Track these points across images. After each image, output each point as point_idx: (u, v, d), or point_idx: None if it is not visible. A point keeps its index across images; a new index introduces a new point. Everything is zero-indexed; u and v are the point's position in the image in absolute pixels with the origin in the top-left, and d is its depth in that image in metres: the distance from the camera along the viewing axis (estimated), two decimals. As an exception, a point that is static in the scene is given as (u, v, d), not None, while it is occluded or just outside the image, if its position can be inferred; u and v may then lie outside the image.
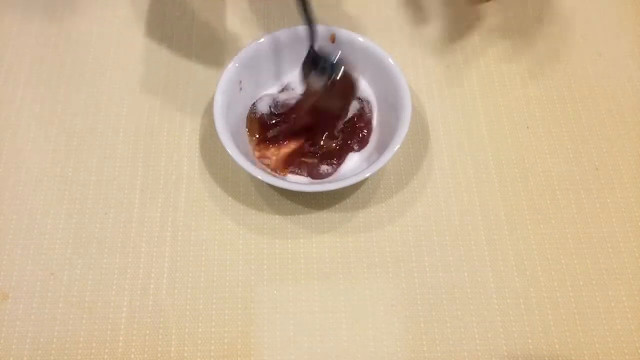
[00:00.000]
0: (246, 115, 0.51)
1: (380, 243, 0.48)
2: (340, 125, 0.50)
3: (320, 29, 0.49)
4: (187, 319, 0.45)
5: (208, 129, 0.53)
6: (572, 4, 0.60)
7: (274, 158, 0.49)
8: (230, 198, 0.50)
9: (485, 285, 0.46)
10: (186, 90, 0.54)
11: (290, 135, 0.50)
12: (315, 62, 0.48)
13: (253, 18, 0.58)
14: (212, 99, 0.47)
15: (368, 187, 0.50)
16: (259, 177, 0.45)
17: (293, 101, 0.51)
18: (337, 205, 0.50)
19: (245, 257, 0.48)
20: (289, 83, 0.52)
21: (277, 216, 0.49)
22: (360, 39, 0.50)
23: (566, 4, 0.60)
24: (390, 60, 0.49)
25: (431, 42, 0.57)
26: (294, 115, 0.50)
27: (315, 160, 0.49)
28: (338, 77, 0.48)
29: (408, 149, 0.52)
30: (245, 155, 0.46)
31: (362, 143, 0.50)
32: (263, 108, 0.50)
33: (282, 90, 0.52)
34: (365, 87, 0.52)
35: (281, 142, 0.49)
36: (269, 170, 0.48)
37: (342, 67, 0.48)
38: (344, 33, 0.50)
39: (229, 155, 0.45)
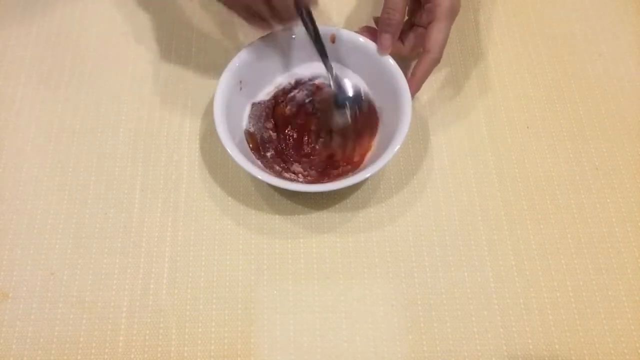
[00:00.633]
0: (245, 114, 0.51)
1: (380, 243, 0.48)
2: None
3: (321, 29, 0.49)
4: (187, 319, 0.45)
5: (208, 129, 0.53)
6: (572, 4, 0.60)
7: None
8: (230, 198, 0.50)
9: (485, 285, 0.46)
10: (186, 90, 0.54)
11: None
12: (336, 101, 0.50)
13: (253, 18, 0.58)
14: (212, 99, 0.47)
15: (368, 187, 0.50)
16: (259, 177, 0.44)
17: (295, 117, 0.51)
18: (337, 205, 0.50)
19: (245, 257, 0.48)
20: (283, 86, 0.52)
21: (277, 216, 0.49)
22: (361, 39, 0.49)
23: (566, 4, 0.60)
24: (390, 60, 0.49)
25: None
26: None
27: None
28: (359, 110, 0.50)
29: (408, 149, 0.52)
30: (246, 155, 0.46)
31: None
32: (257, 126, 0.51)
33: (280, 93, 0.52)
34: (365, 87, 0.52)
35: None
36: (268, 170, 0.48)
37: (362, 100, 0.50)
38: (344, 33, 0.50)
39: (229, 155, 0.45)
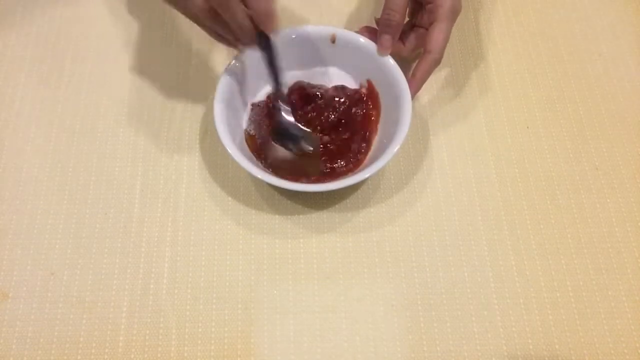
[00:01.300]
0: (245, 114, 0.51)
1: (380, 243, 0.48)
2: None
3: (321, 29, 0.49)
4: (187, 319, 0.45)
5: (208, 129, 0.53)
6: (572, 4, 0.60)
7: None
8: (230, 198, 0.50)
9: (485, 285, 0.46)
10: (186, 90, 0.54)
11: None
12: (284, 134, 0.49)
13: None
14: (212, 99, 0.47)
15: (368, 187, 0.50)
16: (259, 177, 0.45)
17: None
18: (337, 205, 0.50)
19: (245, 257, 0.47)
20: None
21: (277, 216, 0.49)
22: (361, 39, 0.49)
23: (566, 4, 0.60)
24: (390, 60, 0.49)
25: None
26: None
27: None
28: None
29: (408, 149, 0.52)
30: (246, 155, 0.46)
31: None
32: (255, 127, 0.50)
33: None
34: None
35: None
36: (268, 170, 0.48)
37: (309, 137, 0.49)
38: (344, 33, 0.50)
39: (229, 155, 0.45)
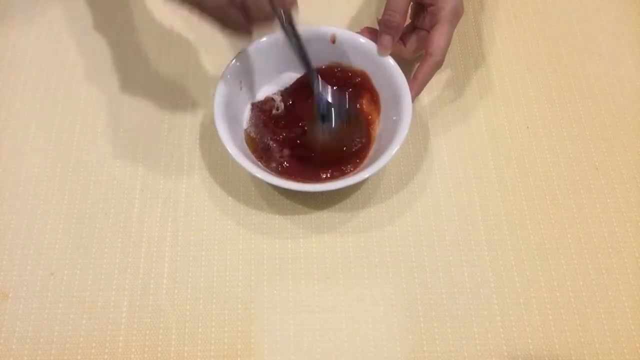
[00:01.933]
0: (245, 114, 0.51)
1: (380, 243, 0.48)
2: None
3: (321, 29, 0.49)
4: (187, 319, 0.45)
5: (208, 129, 0.53)
6: (572, 4, 0.60)
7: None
8: (230, 198, 0.50)
9: (485, 285, 0.46)
10: (186, 90, 0.54)
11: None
12: (322, 114, 0.48)
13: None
14: (213, 98, 0.47)
15: (368, 187, 0.50)
16: (259, 176, 0.44)
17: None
18: (337, 205, 0.50)
19: (245, 257, 0.47)
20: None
21: (277, 216, 0.49)
22: (361, 39, 0.49)
23: (566, 4, 0.60)
24: (390, 60, 0.49)
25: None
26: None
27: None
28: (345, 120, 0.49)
29: (408, 149, 0.52)
30: (246, 155, 0.46)
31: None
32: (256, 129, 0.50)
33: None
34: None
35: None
36: (268, 170, 0.48)
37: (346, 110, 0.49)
38: (344, 33, 0.50)
39: (229, 155, 0.45)
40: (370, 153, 0.49)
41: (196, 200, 0.50)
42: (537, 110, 0.54)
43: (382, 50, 0.48)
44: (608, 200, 0.50)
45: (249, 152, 0.48)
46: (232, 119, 0.48)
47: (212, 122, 0.46)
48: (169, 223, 0.49)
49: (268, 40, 0.49)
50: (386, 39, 0.48)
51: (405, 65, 0.49)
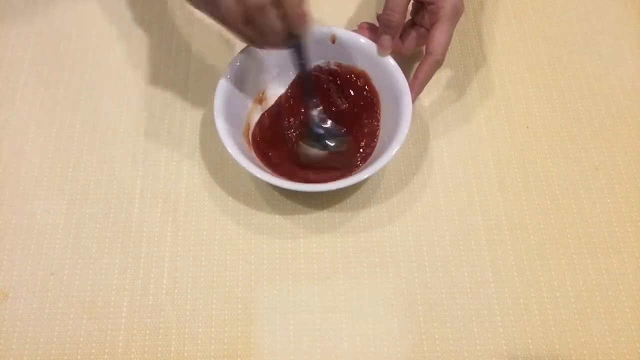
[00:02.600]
0: (246, 115, 0.51)
1: (380, 243, 0.48)
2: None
3: (321, 29, 0.49)
4: (187, 319, 0.45)
5: (208, 129, 0.53)
6: (572, 4, 0.60)
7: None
8: (230, 198, 0.50)
9: (485, 285, 0.46)
10: (186, 90, 0.54)
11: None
12: (316, 135, 0.49)
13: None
14: (213, 98, 0.47)
15: (368, 187, 0.50)
16: (259, 176, 0.44)
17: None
18: (337, 205, 0.50)
19: (245, 257, 0.48)
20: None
21: (277, 216, 0.49)
22: (361, 39, 0.49)
23: (566, 4, 0.60)
24: (390, 60, 0.49)
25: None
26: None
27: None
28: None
29: (408, 149, 0.52)
30: (245, 155, 0.46)
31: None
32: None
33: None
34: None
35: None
36: (268, 169, 0.48)
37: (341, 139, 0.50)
38: (344, 33, 0.50)
39: (229, 155, 0.45)
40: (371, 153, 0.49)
41: (196, 200, 0.50)
42: (537, 110, 0.54)
43: (382, 50, 0.48)
44: (608, 200, 0.50)
45: (249, 152, 0.48)
46: (232, 118, 0.48)
47: (212, 122, 0.46)
48: (169, 223, 0.49)
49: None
50: (386, 39, 0.48)
51: (405, 65, 0.49)
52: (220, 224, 0.49)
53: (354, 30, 0.50)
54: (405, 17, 0.48)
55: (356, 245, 0.48)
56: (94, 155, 0.51)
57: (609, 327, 0.45)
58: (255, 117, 0.51)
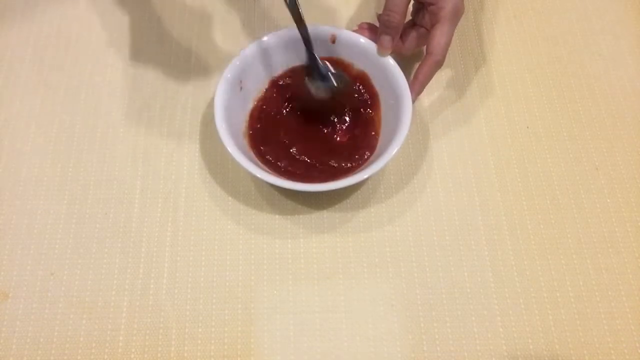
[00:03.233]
0: (245, 115, 0.51)
1: (380, 243, 0.48)
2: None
3: (321, 29, 0.49)
4: (187, 319, 0.45)
5: (208, 129, 0.53)
6: (572, 4, 0.60)
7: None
8: (230, 198, 0.50)
9: (485, 285, 0.46)
10: (186, 90, 0.54)
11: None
12: (317, 73, 0.49)
13: (253, 19, 0.58)
14: (212, 99, 0.47)
15: (368, 187, 0.50)
16: (259, 176, 0.44)
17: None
18: (337, 205, 0.50)
19: (245, 257, 0.48)
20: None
21: (277, 216, 0.49)
22: (361, 39, 0.49)
23: (566, 4, 0.60)
24: (390, 60, 0.49)
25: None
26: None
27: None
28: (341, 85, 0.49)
29: (408, 149, 0.52)
30: (245, 155, 0.46)
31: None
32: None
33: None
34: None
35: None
36: (269, 169, 0.48)
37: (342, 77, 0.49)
38: (344, 33, 0.50)
39: (229, 155, 0.45)
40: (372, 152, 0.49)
41: (196, 200, 0.50)
42: (537, 110, 0.54)
43: (382, 51, 0.48)
44: (608, 200, 0.50)
45: (249, 151, 0.48)
46: (232, 118, 0.48)
47: (212, 121, 0.46)
48: (169, 223, 0.49)
49: (268, 40, 0.49)
50: (386, 40, 0.48)
51: (406, 65, 0.49)
52: (220, 224, 0.49)
53: (354, 30, 0.50)
54: (405, 17, 0.48)
55: (356, 245, 0.48)
56: (94, 155, 0.51)
57: (609, 327, 0.45)
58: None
